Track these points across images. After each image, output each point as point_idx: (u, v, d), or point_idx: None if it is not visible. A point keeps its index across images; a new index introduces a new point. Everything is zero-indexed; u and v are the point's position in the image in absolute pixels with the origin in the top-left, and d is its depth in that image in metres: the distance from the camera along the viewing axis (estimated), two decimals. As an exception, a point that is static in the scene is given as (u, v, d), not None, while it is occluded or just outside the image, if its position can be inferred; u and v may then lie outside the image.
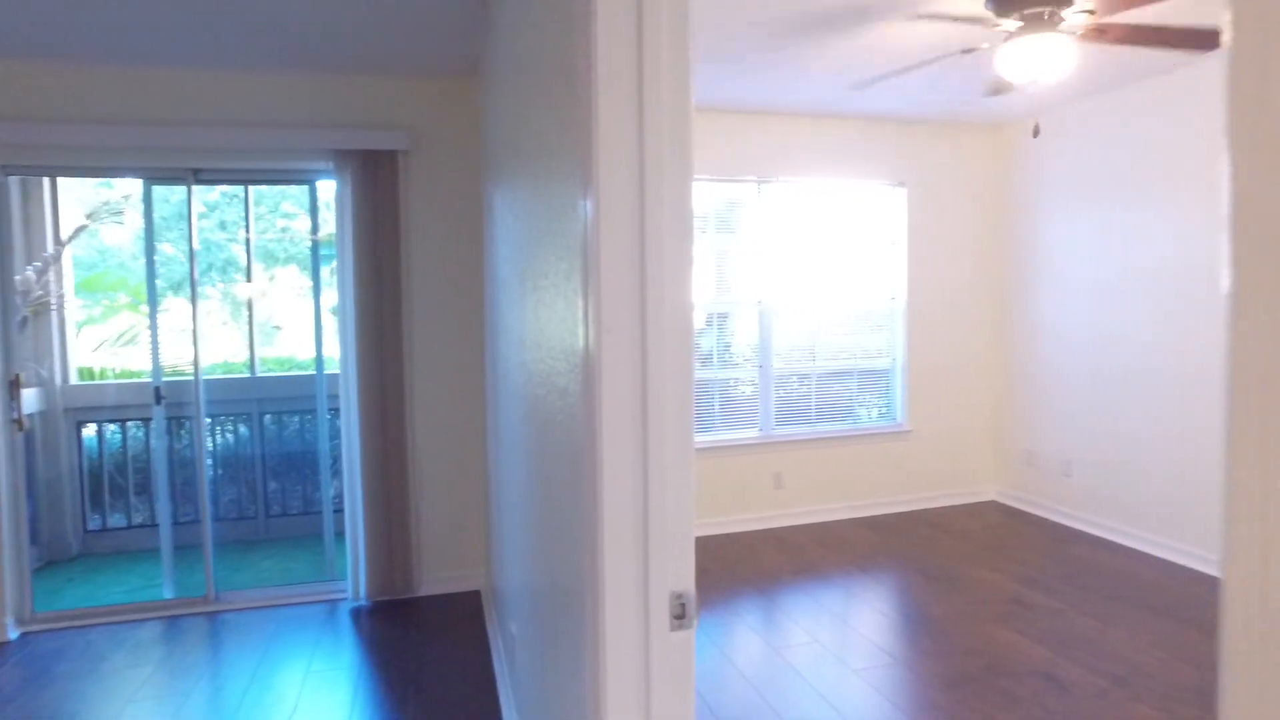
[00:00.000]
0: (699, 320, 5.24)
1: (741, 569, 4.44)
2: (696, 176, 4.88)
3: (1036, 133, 3.16)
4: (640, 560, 1.25)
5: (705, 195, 5.08)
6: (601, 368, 1.22)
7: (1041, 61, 3.10)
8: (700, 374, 5.17)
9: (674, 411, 1.25)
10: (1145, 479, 4.50)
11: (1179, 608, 3.72)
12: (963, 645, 3.43)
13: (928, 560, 4.48)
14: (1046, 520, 5.13)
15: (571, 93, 1.37)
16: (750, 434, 5.25)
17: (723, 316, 5.28)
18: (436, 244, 4.03)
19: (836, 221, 5.37)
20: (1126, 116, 4.54)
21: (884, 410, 5.58)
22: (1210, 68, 4.05)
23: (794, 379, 5.37)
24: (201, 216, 5.60)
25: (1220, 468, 0.57)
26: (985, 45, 3.13)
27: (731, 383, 5.25)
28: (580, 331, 1.34)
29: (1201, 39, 2.92)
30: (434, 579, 4.12)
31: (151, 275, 4.03)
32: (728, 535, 5.04)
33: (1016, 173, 5.38)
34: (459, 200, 4.04)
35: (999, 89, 3.64)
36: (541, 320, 1.84)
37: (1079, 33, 2.98)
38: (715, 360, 5.22)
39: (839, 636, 3.58)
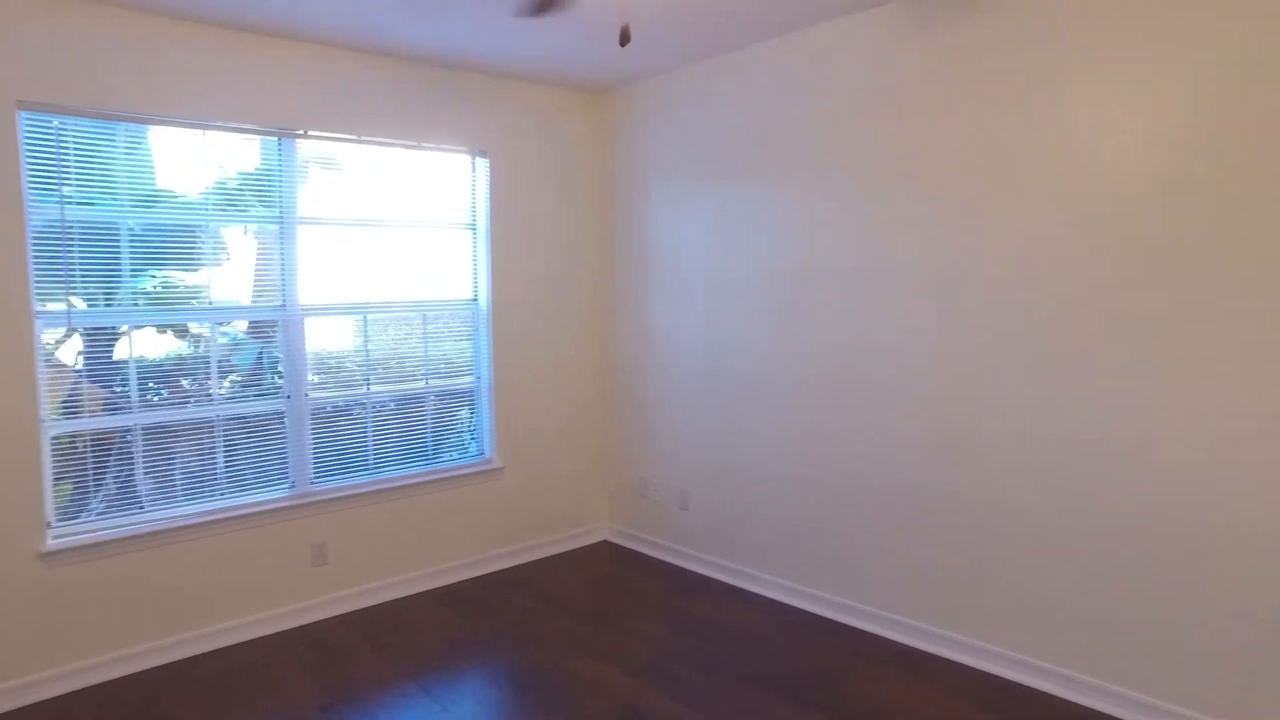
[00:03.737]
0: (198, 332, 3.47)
1: (243, 710, 2.82)
2: (160, 117, 2.80)
3: (625, 39, 2.10)
4: None
5: (197, 148, 3.34)
6: None
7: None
8: (198, 411, 3.41)
9: None
10: (766, 510, 3.84)
11: (821, 687, 2.99)
12: (557, 821, 2.26)
13: (522, 650, 3.30)
14: (664, 564, 4.30)
15: None
16: (277, 493, 3.63)
17: (249, 328, 3.59)
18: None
19: (400, 197, 3.98)
20: (744, 85, 3.83)
21: (469, 443, 4.32)
22: (842, 28, 3.44)
23: (352, 408, 3.86)
24: None
25: None
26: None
27: (258, 420, 3.58)
28: None
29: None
30: None
31: None
32: (238, 646, 3.37)
33: (624, 148, 4.50)
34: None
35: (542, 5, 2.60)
36: None
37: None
38: (215, 391, 3.49)
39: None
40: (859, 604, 3.48)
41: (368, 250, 3.87)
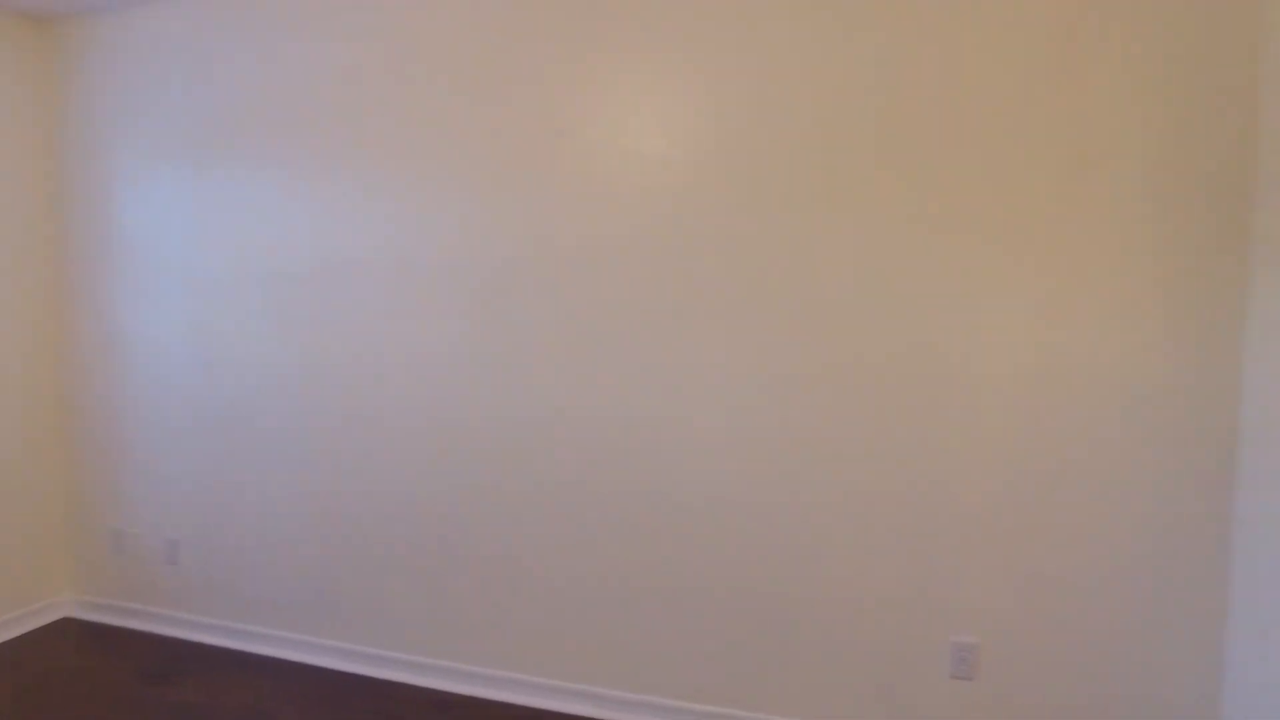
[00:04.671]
0: None
1: None
2: None
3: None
4: None
5: None
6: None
7: None
8: None
9: None
10: (277, 554, 3.18)
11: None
12: None
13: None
14: (145, 638, 3.37)
15: None
16: None
17: None
18: None
19: None
20: (254, 30, 3.10)
21: None
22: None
23: None
24: None
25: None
26: None
27: None
28: None
29: None
30: None
31: None
32: None
33: (84, 100, 3.42)
34: None
35: None
36: None
37: None
38: None
39: None
40: (391, 653, 3.03)
41: None
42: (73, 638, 3.37)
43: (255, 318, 3.13)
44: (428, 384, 2.89)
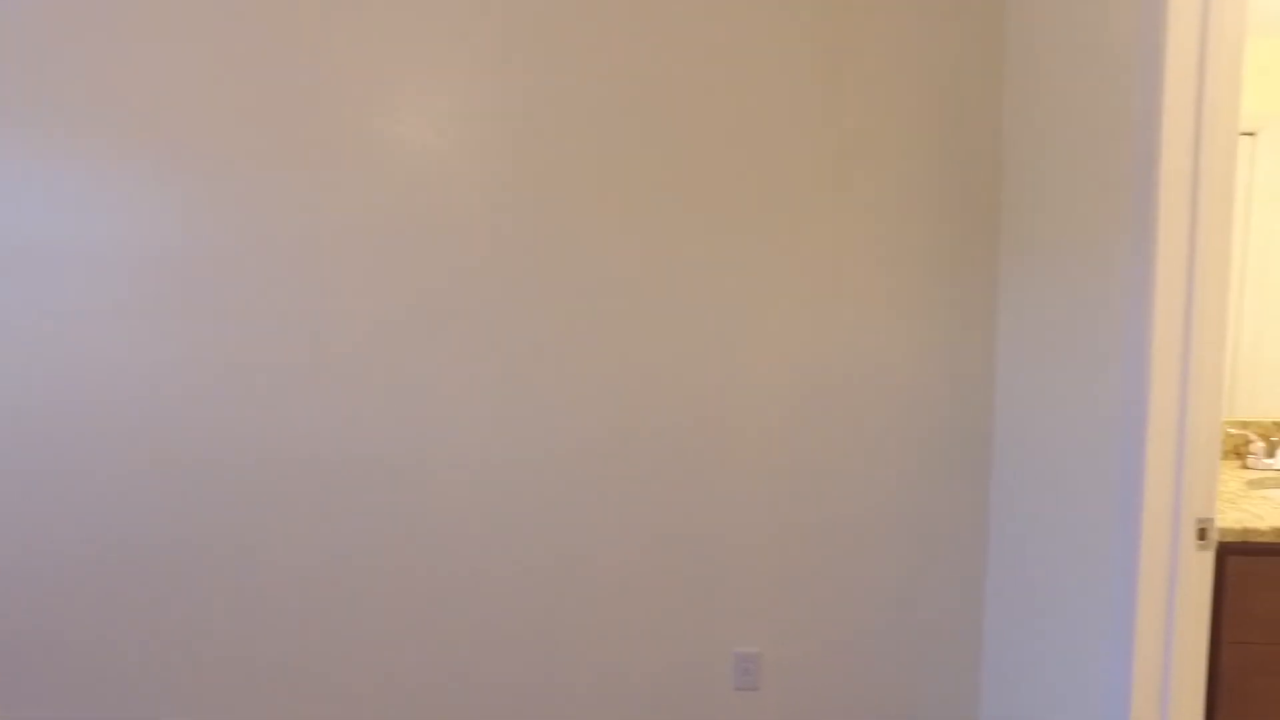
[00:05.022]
0: None
1: None
2: None
3: None
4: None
5: None
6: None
7: None
8: None
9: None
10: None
11: None
12: None
13: None
14: None
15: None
16: None
17: None
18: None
19: None
20: None
21: None
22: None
23: None
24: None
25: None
26: None
27: None
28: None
29: None
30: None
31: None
32: None
33: None
34: None
35: None
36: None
37: None
38: None
39: None
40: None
41: None
42: None
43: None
44: (133, 405, 2.42)
